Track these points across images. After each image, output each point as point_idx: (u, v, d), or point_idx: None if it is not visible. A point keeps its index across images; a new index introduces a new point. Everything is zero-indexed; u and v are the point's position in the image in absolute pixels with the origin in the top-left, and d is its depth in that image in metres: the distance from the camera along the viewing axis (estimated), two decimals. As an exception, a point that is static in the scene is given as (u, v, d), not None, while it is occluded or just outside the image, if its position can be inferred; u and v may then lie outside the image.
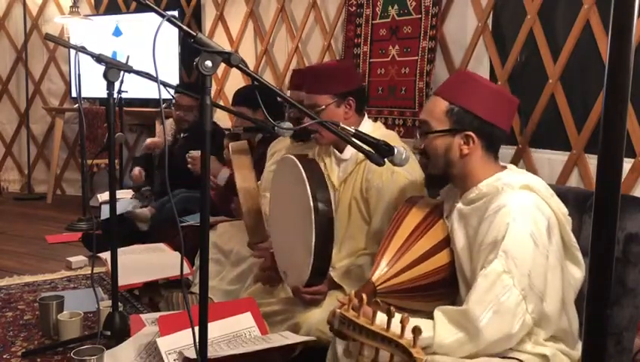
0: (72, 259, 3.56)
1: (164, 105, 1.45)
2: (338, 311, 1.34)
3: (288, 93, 3.05)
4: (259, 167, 3.06)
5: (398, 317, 1.19)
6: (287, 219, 2.10)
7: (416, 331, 1.14)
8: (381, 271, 1.62)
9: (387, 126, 2.80)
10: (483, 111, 1.59)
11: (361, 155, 1.85)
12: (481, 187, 1.59)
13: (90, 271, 3.23)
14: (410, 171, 2.02)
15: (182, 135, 3.83)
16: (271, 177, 2.41)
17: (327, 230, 1.88)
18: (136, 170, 3.96)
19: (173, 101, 3.67)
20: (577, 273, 1.59)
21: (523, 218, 1.45)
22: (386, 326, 1.21)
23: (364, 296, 1.30)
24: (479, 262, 1.49)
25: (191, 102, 3.62)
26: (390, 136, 2.11)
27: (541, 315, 1.46)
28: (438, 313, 1.47)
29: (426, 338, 1.38)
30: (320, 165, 2.19)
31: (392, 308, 1.21)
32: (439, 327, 1.43)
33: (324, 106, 2.11)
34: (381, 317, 1.23)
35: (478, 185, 1.59)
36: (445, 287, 1.67)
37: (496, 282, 1.41)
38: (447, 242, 1.68)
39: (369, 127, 2.16)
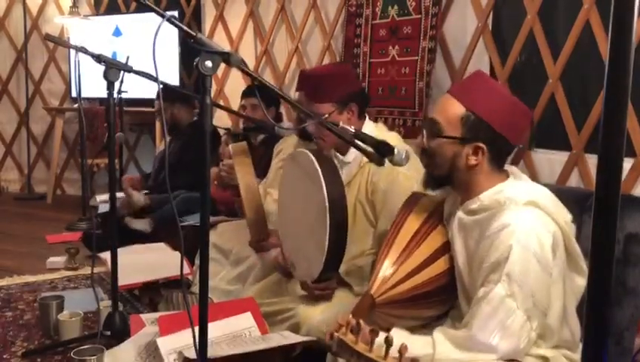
0: (50, 259, 3.58)
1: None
2: (336, 334, 1.31)
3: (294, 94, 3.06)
4: (261, 167, 3.07)
5: (397, 344, 1.18)
6: (298, 214, 2.07)
7: None
8: (380, 282, 1.60)
9: (387, 126, 2.79)
10: (498, 123, 1.52)
11: (364, 158, 1.84)
12: (483, 198, 1.53)
13: (90, 272, 3.23)
14: (415, 173, 2.00)
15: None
16: (278, 175, 2.40)
17: (341, 227, 1.85)
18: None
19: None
20: (580, 281, 1.55)
21: (527, 239, 1.41)
22: (384, 354, 1.20)
23: (362, 322, 1.28)
24: (479, 278, 1.47)
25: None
26: (392, 138, 2.09)
27: (544, 328, 1.45)
28: (439, 335, 1.44)
29: (426, 356, 1.37)
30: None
31: (390, 334, 1.20)
32: (440, 347, 1.41)
33: (327, 115, 2.07)
34: (379, 343, 1.21)
35: (479, 196, 1.54)
36: (445, 293, 1.65)
37: (499, 308, 1.39)
38: (446, 247, 1.65)
39: (371, 129, 2.14)
